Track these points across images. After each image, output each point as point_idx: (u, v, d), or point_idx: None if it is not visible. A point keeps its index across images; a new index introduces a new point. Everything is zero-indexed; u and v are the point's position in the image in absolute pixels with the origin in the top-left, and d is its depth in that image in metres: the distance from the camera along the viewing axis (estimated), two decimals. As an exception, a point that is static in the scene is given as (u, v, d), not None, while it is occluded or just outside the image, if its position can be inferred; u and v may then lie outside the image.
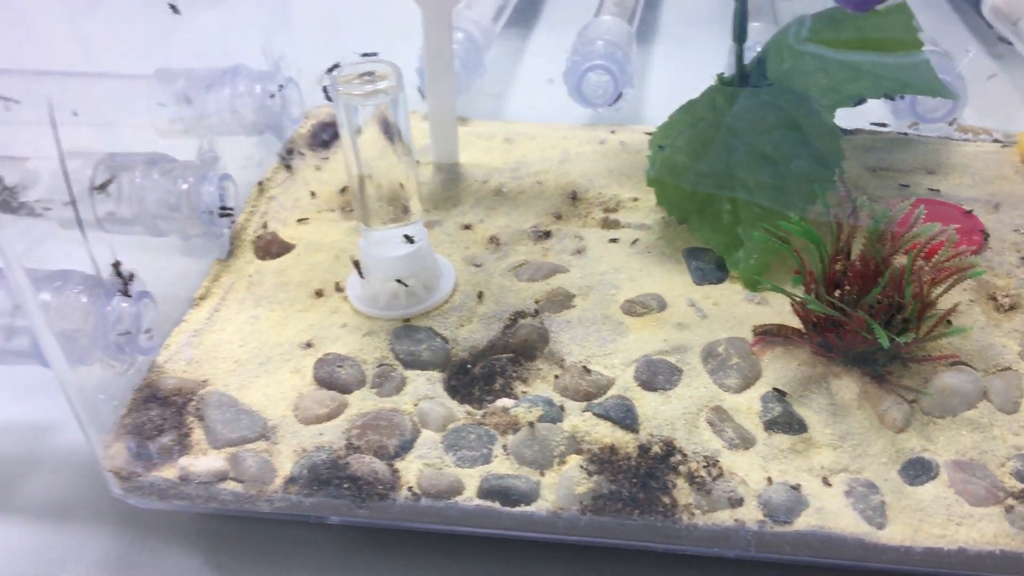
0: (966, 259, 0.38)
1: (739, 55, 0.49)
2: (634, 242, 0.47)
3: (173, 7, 0.41)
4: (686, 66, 0.66)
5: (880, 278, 0.38)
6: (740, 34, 0.48)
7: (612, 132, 0.56)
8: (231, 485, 0.37)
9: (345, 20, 0.60)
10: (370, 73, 0.39)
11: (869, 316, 0.37)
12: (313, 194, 0.52)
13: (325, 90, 0.37)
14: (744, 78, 0.49)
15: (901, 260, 0.38)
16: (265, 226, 0.50)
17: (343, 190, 0.52)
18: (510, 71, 0.68)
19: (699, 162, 0.46)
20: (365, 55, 0.39)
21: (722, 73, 0.50)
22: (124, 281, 0.37)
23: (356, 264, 0.43)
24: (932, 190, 0.49)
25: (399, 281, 0.41)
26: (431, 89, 0.51)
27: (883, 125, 0.53)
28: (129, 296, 0.37)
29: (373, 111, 0.39)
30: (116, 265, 0.37)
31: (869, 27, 0.50)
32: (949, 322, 0.39)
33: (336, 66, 0.38)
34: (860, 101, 0.50)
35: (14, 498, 0.42)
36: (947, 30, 0.71)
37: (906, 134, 0.54)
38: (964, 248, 0.38)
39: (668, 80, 0.66)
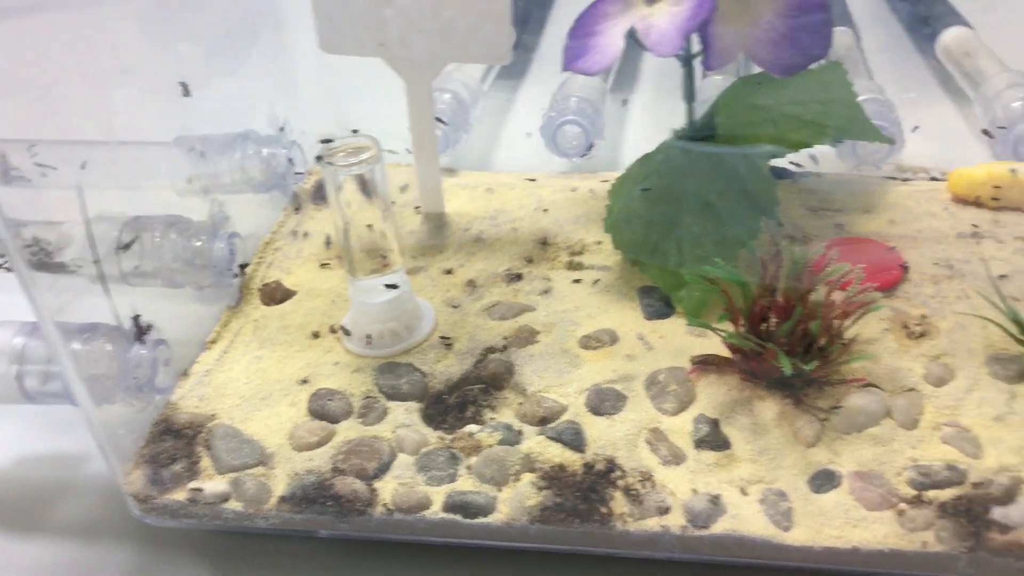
0: (870, 294, 0.43)
1: (689, 112, 0.54)
2: (595, 282, 0.53)
3: (185, 88, 0.48)
4: (660, 116, 0.72)
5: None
6: (689, 95, 0.54)
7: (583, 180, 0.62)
8: (233, 505, 0.43)
9: (344, 86, 0.66)
10: (355, 146, 0.45)
11: (786, 346, 0.42)
12: (305, 234, 0.58)
13: (319, 158, 0.44)
14: (695, 133, 0.54)
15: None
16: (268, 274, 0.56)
17: (327, 243, 0.58)
18: (498, 124, 0.74)
19: (651, 211, 0.52)
20: (354, 131, 0.46)
21: (676, 128, 0.55)
22: (140, 331, 0.43)
23: (343, 328, 0.50)
24: (837, 225, 0.54)
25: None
26: (417, 148, 0.57)
27: (799, 166, 0.59)
28: (145, 343, 0.44)
29: (356, 177, 0.45)
30: (136, 318, 0.44)
31: (810, 82, 0.55)
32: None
33: (329, 140, 0.45)
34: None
35: (48, 520, 0.48)
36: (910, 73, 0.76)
37: (809, 174, 0.59)
38: (870, 284, 0.43)
39: (643, 130, 0.71)
